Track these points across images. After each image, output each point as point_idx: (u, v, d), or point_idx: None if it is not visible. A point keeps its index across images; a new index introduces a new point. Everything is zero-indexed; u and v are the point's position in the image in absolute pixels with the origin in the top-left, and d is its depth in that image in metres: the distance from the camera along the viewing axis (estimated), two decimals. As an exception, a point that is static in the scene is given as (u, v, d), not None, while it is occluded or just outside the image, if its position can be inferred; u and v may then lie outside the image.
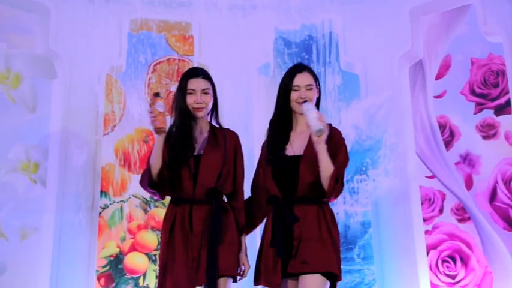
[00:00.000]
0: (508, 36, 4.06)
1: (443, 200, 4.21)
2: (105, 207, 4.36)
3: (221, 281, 2.79)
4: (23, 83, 4.23)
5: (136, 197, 4.41)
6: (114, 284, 4.29)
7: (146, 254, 4.37)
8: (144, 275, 4.34)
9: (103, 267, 4.30)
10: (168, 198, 2.98)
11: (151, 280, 4.32)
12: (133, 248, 4.37)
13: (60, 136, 4.22)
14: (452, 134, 4.26)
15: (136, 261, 4.35)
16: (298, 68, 2.98)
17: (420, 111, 4.36)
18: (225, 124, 3.03)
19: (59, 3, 4.31)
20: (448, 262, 4.15)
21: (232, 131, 3.01)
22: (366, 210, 4.40)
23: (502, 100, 4.10)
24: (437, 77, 4.36)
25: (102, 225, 4.33)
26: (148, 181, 2.85)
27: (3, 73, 4.18)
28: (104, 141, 4.39)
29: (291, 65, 3.33)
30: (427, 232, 4.21)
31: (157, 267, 4.14)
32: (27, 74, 4.24)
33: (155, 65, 4.62)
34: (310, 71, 2.96)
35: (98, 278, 4.26)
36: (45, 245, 4.07)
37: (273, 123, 2.99)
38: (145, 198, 4.40)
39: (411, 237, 4.17)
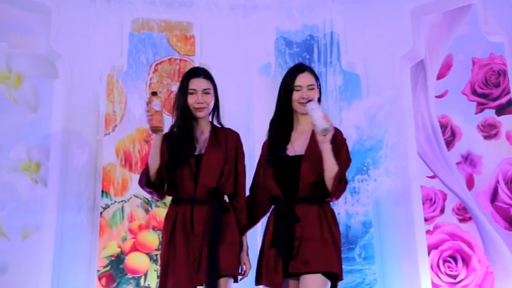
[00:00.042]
0: (509, 36, 4.05)
1: (444, 199, 4.21)
2: (107, 207, 4.36)
3: (222, 281, 2.79)
4: (24, 83, 4.22)
5: (137, 197, 4.41)
6: (115, 284, 4.29)
7: (147, 254, 4.37)
8: (145, 275, 4.34)
9: (104, 267, 4.29)
10: (169, 198, 2.99)
11: (153, 280, 4.32)
12: (134, 248, 4.36)
13: (61, 136, 4.22)
14: (453, 134, 4.25)
15: (137, 261, 4.35)
16: (300, 68, 2.98)
17: (421, 111, 4.36)
18: (226, 124, 3.03)
19: (60, 3, 4.30)
20: (449, 262, 4.14)
21: (234, 131, 3.01)
22: (367, 210, 4.40)
23: (503, 100, 4.10)
24: (439, 77, 4.36)
25: (104, 225, 4.33)
26: (146, 180, 2.85)
27: (4, 73, 4.18)
28: (105, 141, 4.39)
29: (292, 64, 3.32)
30: (428, 232, 4.21)
31: (158, 267, 4.14)
32: (29, 74, 4.24)
33: (156, 65, 4.62)
34: (311, 71, 2.97)
35: (99, 278, 4.26)
36: (46, 244, 4.06)
37: (273, 123, 2.99)
38: (146, 198, 4.40)
39: (412, 237, 4.16)
